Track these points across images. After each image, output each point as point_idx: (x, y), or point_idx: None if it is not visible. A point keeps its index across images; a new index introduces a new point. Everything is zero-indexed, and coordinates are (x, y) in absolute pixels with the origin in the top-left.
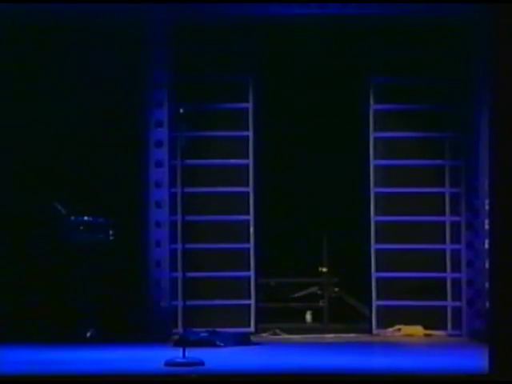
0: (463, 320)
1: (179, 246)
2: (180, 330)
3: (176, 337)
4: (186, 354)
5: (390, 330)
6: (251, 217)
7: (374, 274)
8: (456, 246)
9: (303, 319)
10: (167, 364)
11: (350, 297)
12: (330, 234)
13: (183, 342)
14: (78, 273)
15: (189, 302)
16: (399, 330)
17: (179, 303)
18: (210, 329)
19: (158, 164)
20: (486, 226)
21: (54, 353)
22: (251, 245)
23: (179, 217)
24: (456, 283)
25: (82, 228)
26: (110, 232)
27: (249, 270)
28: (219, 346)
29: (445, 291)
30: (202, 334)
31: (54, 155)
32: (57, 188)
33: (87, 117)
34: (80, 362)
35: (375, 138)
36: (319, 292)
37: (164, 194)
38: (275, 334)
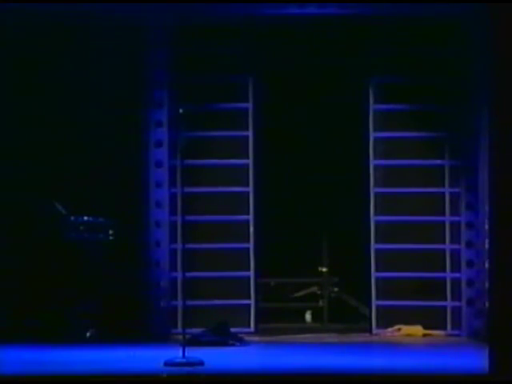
0: (463, 320)
1: (179, 245)
2: (179, 329)
3: (179, 336)
4: (186, 353)
5: (390, 329)
6: (251, 217)
7: (374, 274)
8: (456, 246)
9: (303, 319)
10: (167, 364)
11: (350, 297)
12: (330, 233)
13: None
14: (77, 273)
15: (189, 302)
16: (399, 329)
17: (179, 303)
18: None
19: (158, 164)
20: (486, 226)
21: (54, 353)
22: (251, 245)
23: (179, 217)
24: (456, 283)
25: (81, 228)
26: (110, 232)
27: (249, 270)
28: (233, 345)
29: (445, 291)
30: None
31: (54, 155)
32: (57, 188)
33: (87, 117)
34: (80, 362)
35: (375, 138)
36: (319, 292)
37: (164, 194)
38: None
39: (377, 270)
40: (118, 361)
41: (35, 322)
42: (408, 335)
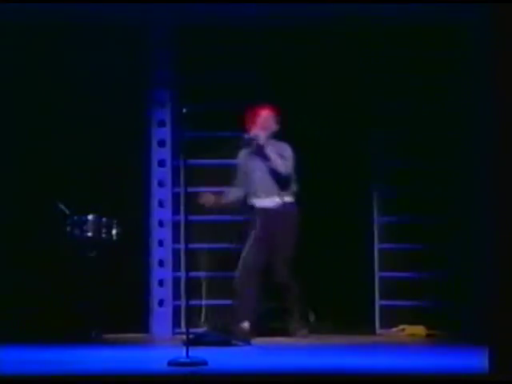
0: (462, 320)
1: (182, 245)
2: (182, 329)
3: (183, 336)
4: (189, 353)
5: (394, 330)
6: None
7: (378, 274)
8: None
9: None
10: (170, 364)
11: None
12: None
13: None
14: (80, 272)
15: (192, 302)
16: (403, 330)
17: (182, 303)
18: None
19: (161, 163)
20: None
21: (56, 353)
22: None
23: (182, 216)
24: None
25: (84, 227)
26: (113, 231)
27: None
28: (236, 345)
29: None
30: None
31: (57, 154)
32: (60, 187)
33: (90, 116)
34: (82, 361)
35: (375, 138)
36: None
37: (167, 193)
38: None
39: (380, 270)
40: (120, 360)
41: (38, 321)
42: (411, 335)
